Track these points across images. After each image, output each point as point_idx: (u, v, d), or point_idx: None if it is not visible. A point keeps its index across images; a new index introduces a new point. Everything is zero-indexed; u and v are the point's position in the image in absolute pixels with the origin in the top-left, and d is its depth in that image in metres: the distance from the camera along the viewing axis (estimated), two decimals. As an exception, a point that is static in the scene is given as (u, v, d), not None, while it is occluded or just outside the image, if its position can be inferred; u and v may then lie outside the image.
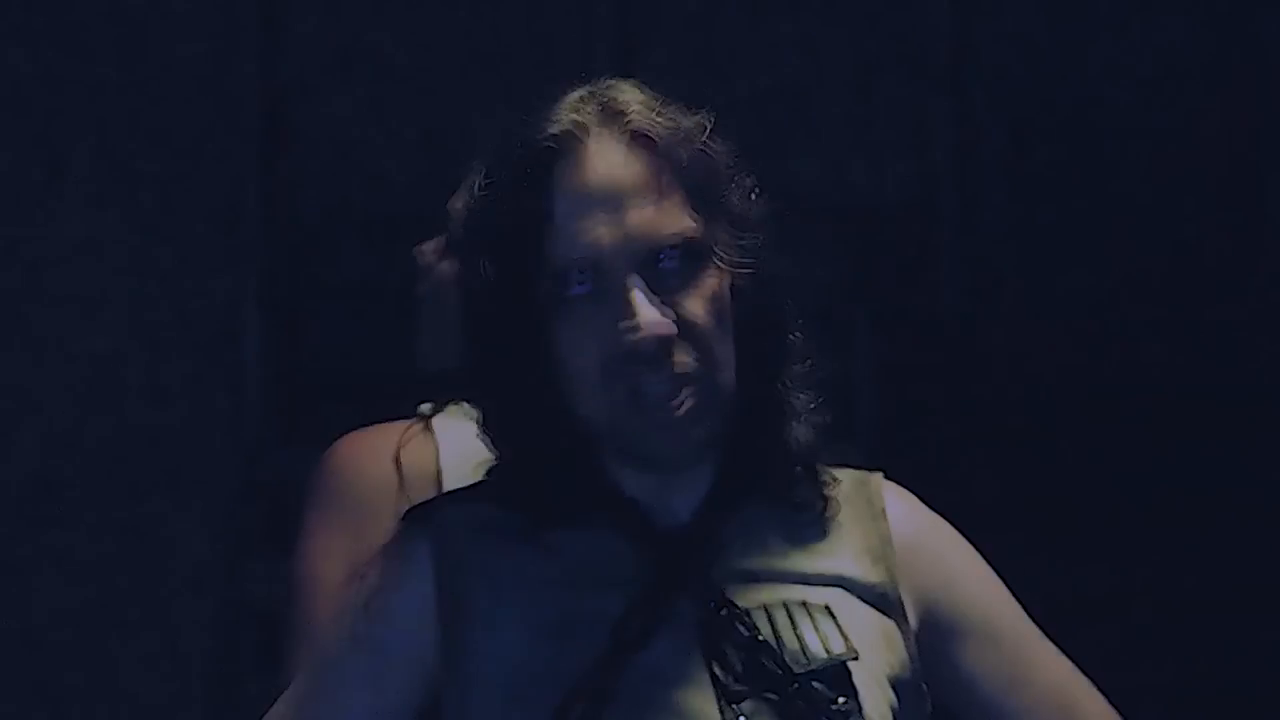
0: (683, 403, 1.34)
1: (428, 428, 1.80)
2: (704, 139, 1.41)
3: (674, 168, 1.38)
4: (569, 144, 1.38)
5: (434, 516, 1.40)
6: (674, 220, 1.37)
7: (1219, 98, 3.93)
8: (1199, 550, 3.72)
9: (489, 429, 1.42)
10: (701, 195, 1.39)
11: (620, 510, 1.38)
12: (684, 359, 1.34)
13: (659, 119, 1.40)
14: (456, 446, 1.70)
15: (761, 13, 3.90)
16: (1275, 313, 3.86)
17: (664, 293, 1.35)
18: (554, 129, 1.38)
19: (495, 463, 1.42)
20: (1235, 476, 3.79)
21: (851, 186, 3.89)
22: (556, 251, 1.35)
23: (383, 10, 3.83)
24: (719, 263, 1.38)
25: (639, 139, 1.38)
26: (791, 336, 1.44)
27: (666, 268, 1.35)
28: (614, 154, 1.38)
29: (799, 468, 1.43)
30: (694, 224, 1.37)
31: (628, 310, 1.33)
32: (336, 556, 1.74)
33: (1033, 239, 3.91)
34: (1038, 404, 3.74)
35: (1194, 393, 3.80)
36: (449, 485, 1.67)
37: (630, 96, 1.41)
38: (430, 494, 1.65)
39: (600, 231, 1.35)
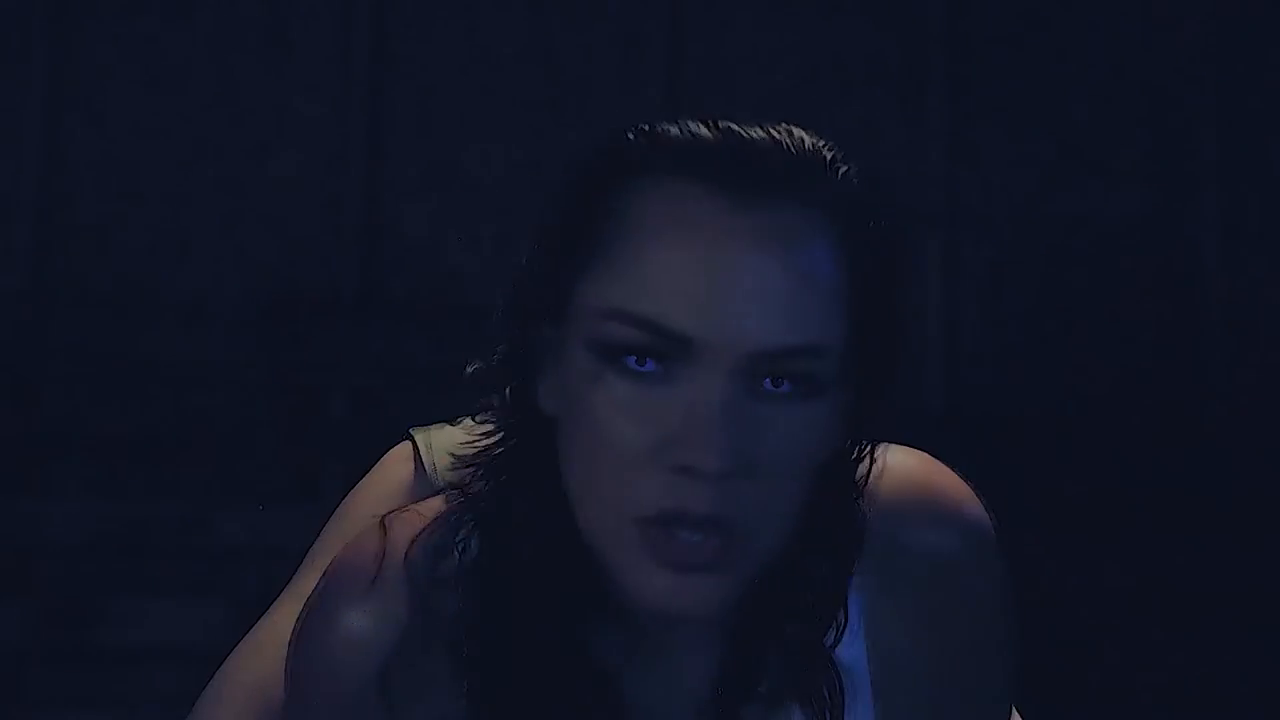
0: (710, 554, 0.97)
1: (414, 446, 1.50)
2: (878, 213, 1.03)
3: (846, 256, 0.99)
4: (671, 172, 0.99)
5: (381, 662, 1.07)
6: (811, 327, 0.97)
7: (1161, 241, 4.26)
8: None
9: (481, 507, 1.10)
10: (863, 304, 1.00)
11: (597, 695, 1.06)
12: (734, 509, 0.97)
13: (828, 172, 1.00)
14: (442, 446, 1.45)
15: None
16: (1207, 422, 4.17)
17: (754, 421, 0.97)
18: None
19: (474, 552, 1.08)
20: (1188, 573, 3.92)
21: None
22: (619, 299, 0.97)
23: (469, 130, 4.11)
24: (844, 394, 1.01)
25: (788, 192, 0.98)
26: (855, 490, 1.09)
27: (770, 390, 0.98)
28: (785, 214, 0.97)
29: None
30: (839, 339, 0.99)
31: (702, 425, 0.96)
32: None
33: (1004, 357, 4.18)
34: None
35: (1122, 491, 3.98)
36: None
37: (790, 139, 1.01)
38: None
39: (714, 309, 0.96)
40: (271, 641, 1.37)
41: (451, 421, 1.47)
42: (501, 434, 1.08)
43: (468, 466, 1.10)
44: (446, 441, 1.45)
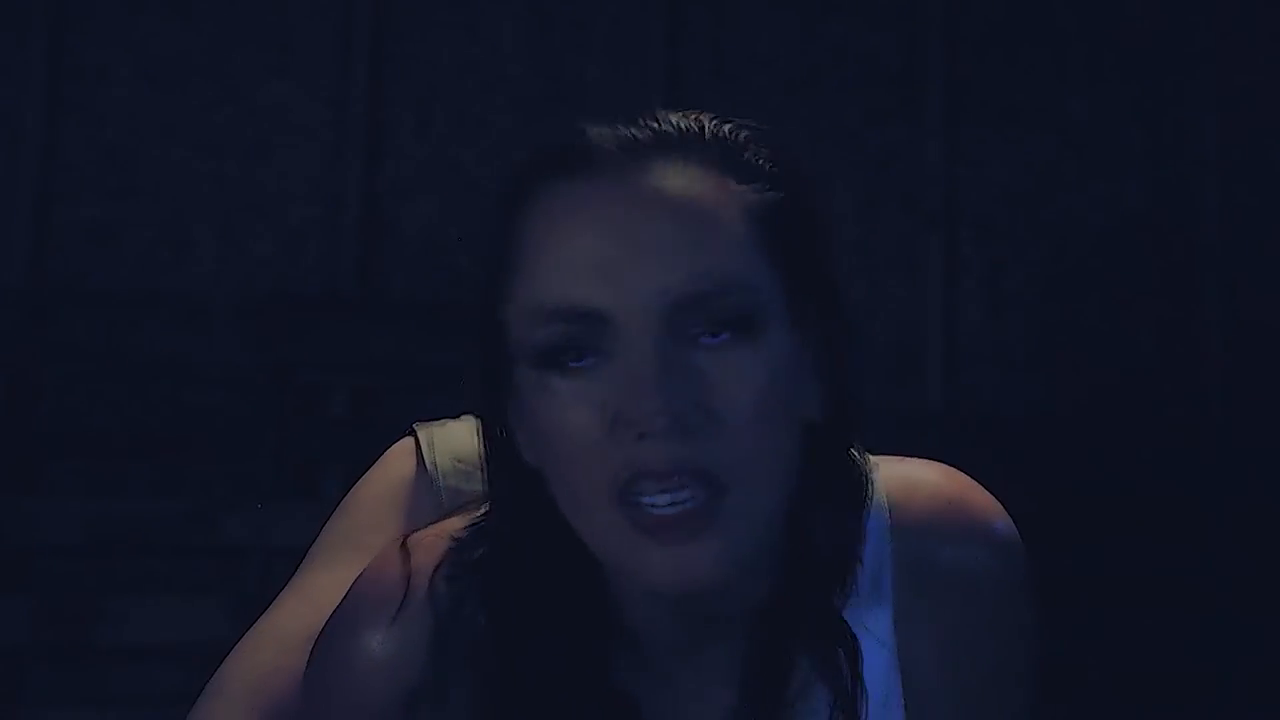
0: (691, 512, 0.96)
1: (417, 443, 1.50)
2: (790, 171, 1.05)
3: (741, 201, 1.01)
4: (585, 159, 1.01)
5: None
6: (716, 269, 0.97)
7: (1160, 243, 4.26)
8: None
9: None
10: (778, 243, 1.01)
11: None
12: (705, 461, 0.96)
13: (729, 136, 1.04)
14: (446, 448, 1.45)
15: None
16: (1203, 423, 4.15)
17: (699, 372, 0.97)
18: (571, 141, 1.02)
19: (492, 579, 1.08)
20: (1174, 568, 3.94)
21: (855, 305, 4.10)
22: (534, 300, 0.99)
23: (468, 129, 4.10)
24: (790, 337, 1.01)
25: (694, 156, 1.01)
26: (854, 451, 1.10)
27: (710, 342, 0.98)
28: (649, 174, 0.99)
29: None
30: (757, 275, 0.99)
31: (640, 386, 0.95)
32: None
33: (1004, 357, 4.18)
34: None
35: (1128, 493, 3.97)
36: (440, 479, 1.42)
37: (697, 120, 1.04)
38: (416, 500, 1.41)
39: (608, 283, 0.97)
40: (272, 638, 1.37)
41: (455, 417, 1.49)
42: (494, 490, 1.09)
43: (471, 503, 1.11)
44: (449, 438, 1.46)
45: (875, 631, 1.09)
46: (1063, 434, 4.08)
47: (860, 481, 1.10)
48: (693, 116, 1.05)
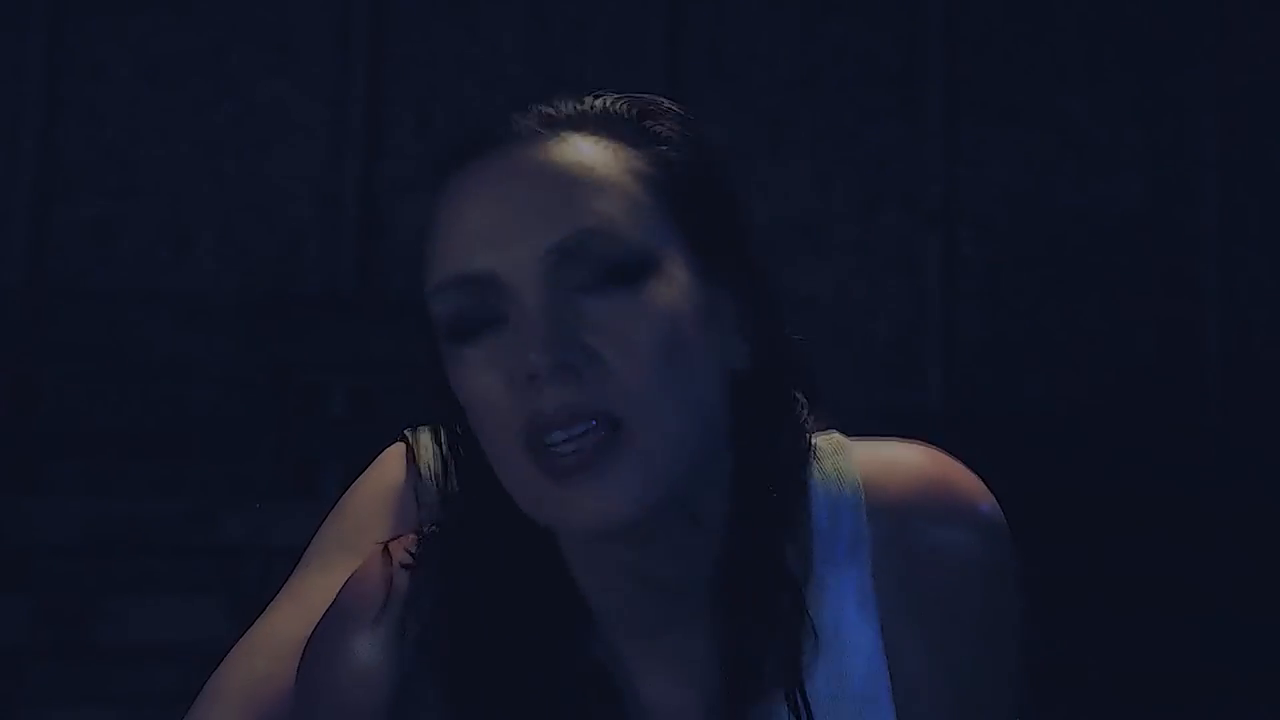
0: (590, 451, 1.00)
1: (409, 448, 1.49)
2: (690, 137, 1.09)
3: (632, 166, 1.06)
4: (489, 139, 1.06)
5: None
6: (589, 216, 1.02)
7: (1160, 243, 4.29)
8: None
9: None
10: (677, 204, 1.06)
11: (592, 695, 1.07)
12: (599, 403, 1.00)
13: (623, 105, 1.09)
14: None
15: (783, 152, 4.19)
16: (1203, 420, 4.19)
17: (586, 316, 1.02)
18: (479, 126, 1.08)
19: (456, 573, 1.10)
20: (1167, 567, 3.97)
21: (854, 302, 4.16)
22: (436, 276, 1.05)
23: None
24: (700, 290, 1.05)
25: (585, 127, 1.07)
26: (797, 405, 1.11)
27: (595, 288, 1.02)
28: (535, 149, 1.05)
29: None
30: (645, 230, 1.03)
31: (526, 333, 1.01)
32: None
33: (1004, 356, 4.21)
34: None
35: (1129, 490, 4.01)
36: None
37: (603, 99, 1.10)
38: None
39: (491, 247, 1.02)
40: (267, 642, 1.38)
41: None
42: (457, 478, 1.12)
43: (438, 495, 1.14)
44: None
45: (855, 596, 1.10)
46: (1062, 434, 4.10)
47: (802, 435, 1.11)
48: (597, 96, 1.11)
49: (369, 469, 1.50)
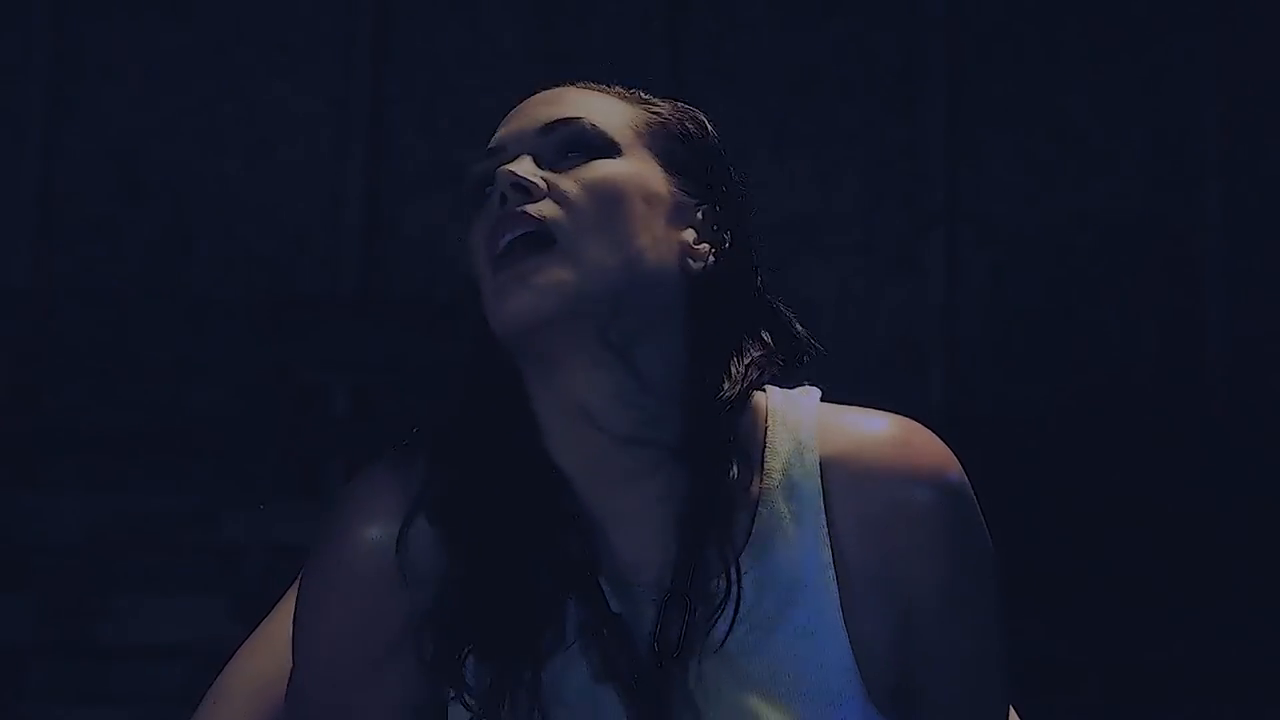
0: (527, 247, 1.19)
1: None
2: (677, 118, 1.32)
3: (626, 110, 1.30)
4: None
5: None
6: (584, 110, 1.27)
7: (1160, 243, 4.31)
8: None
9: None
10: (657, 137, 1.29)
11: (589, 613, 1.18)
12: (540, 213, 1.20)
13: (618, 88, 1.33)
14: None
15: (784, 152, 4.20)
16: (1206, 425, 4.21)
17: (551, 171, 1.23)
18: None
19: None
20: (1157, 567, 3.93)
21: (854, 302, 4.19)
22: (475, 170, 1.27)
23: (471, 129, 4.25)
24: (666, 184, 1.25)
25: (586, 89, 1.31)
26: (758, 308, 1.27)
27: (568, 157, 1.24)
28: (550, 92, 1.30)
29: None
30: (620, 135, 1.26)
31: (504, 174, 1.21)
32: None
33: (1005, 356, 4.22)
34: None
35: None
36: None
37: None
38: None
39: (507, 129, 1.27)
40: (273, 643, 1.39)
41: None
42: (462, 354, 1.29)
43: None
44: None
45: (811, 533, 1.19)
46: (1063, 434, 4.10)
47: (752, 359, 1.23)
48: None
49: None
